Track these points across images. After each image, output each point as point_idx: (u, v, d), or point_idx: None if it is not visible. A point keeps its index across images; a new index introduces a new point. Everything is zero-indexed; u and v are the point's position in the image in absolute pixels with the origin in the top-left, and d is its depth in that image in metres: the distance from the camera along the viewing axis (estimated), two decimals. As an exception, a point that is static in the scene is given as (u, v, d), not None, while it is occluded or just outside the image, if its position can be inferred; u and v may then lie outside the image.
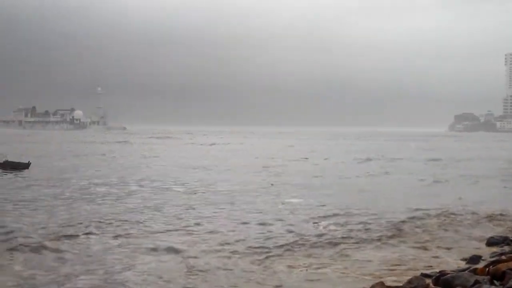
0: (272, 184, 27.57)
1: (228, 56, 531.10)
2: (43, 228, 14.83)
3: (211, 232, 14.81)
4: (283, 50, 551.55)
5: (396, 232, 15.09)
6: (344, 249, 13.07)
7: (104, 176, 30.64)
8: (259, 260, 11.88)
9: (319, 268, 11.37)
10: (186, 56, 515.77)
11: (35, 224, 15.39)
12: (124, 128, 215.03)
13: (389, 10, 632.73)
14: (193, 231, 15.00)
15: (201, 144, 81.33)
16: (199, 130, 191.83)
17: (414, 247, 13.38)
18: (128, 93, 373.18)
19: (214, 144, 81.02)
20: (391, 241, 14.05)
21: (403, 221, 16.46)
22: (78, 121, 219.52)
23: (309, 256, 12.35)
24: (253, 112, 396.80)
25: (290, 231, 14.86)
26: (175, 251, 12.51)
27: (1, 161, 34.49)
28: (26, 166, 34.34)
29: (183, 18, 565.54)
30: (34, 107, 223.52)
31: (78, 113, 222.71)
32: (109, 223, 15.67)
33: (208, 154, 56.22)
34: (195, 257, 11.96)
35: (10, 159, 35.21)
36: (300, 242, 13.61)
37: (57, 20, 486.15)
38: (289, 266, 11.41)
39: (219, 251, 12.60)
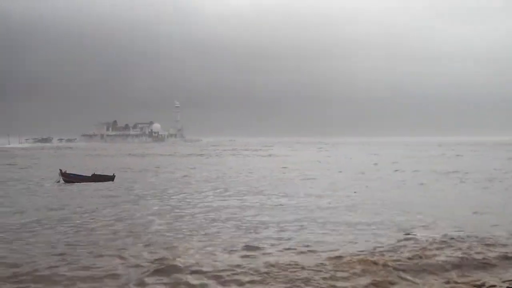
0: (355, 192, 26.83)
1: (314, 67, 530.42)
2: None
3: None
4: (367, 60, 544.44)
5: None
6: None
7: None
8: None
9: None
10: (274, 69, 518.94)
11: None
12: (200, 140, 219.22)
13: (483, 15, 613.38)
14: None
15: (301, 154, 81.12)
16: (285, 141, 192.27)
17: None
18: (205, 106, 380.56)
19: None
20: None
21: None
22: (157, 134, 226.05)
23: None
24: (339, 122, 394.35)
25: None
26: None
27: (90, 175, 35.76)
28: (111, 178, 35.30)
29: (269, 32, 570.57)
30: (115, 121, 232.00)
31: (156, 126, 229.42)
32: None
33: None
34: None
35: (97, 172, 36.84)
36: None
37: (137, 38, 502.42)
38: None
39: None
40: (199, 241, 14.84)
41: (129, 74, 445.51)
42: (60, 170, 35.60)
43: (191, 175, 41.20)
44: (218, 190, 29.09)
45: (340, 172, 44.17)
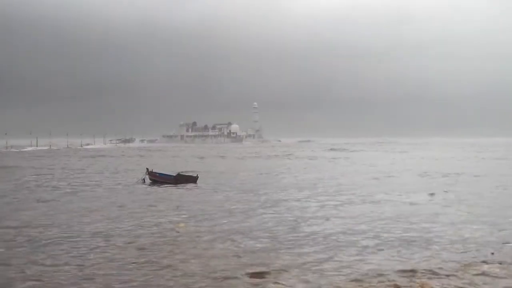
0: None
1: (378, 66, 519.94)
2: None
3: None
4: (433, 59, 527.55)
5: None
6: None
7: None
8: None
9: None
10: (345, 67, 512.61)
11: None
12: (279, 141, 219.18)
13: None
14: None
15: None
16: (368, 141, 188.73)
17: None
18: (283, 107, 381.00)
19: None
20: None
21: None
22: (235, 135, 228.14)
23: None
24: (406, 122, 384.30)
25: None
26: None
27: (175, 174, 35.68)
28: (195, 179, 35.13)
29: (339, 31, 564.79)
30: (194, 122, 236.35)
31: (234, 127, 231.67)
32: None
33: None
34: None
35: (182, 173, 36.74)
36: None
37: (215, 38, 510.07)
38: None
39: None
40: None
41: (209, 76, 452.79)
42: (147, 169, 35.84)
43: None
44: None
45: None
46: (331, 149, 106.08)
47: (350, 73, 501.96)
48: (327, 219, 19.03)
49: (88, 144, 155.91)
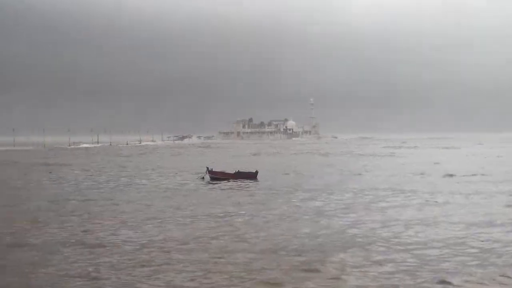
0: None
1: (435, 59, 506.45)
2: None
3: None
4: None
5: None
6: None
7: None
8: None
9: None
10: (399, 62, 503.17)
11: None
12: (335, 137, 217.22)
13: None
14: None
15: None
16: (430, 137, 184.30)
17: None
18: (338, 103, 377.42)
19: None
20: None
21: None
22: (291, 131, 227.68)
23: None
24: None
25: None
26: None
27: (234, 172, 35.71)
28: (254, 175, 34.96)
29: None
30: (251, 119, 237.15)
31: (291, 123, 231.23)
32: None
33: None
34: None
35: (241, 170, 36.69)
36: None
37: (273, 33, 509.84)
38: None
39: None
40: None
41: (265, 72, 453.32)
42: (207, 168, 35.92)
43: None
44: None
45: None
46: (400, 147, 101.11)
47: (408, 66, 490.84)
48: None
49: (140, 141, 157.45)
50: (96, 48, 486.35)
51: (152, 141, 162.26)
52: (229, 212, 20.52)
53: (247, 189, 29.56)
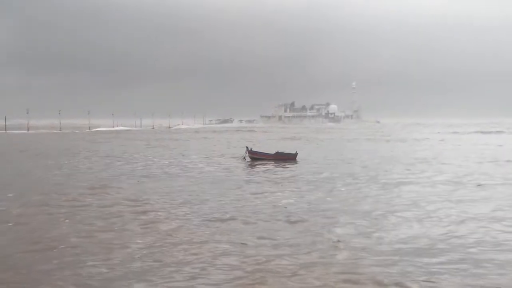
0: None
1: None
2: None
3: None
4: None
5: None
6: None
7: None
8: None
9: None
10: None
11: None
12: (378, 122, 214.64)
13: None
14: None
15: None
16: (461, 123, 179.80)
17: None
18: (378, 87, 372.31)
19: None
20: None
21: None
22: (333, 115, 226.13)
23: None
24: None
25: None
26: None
27: (274, 152, 36.09)
28: (294, 156, 35.26)
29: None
30: (292, 103, 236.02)
31: (332, 108, 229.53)
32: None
33: None
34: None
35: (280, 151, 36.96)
36: None
37: (316, 15, 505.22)
38: None
39: None
40: None
41: (308, 56, 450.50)
42: (247, 148, 36.40)
43: None
44: None
45: None
46: (454, 132, 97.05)
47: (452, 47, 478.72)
48: None
49: (178, 125, 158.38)
50: (131, 32, 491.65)
51: (187, 124, 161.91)
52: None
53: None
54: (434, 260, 10.88)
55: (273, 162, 33.29)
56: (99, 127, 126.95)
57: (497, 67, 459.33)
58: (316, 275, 10.02)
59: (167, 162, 34.24)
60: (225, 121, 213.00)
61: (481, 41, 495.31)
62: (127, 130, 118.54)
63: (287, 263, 10.69)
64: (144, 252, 11.56)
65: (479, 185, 22.05)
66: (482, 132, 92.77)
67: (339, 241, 12.41)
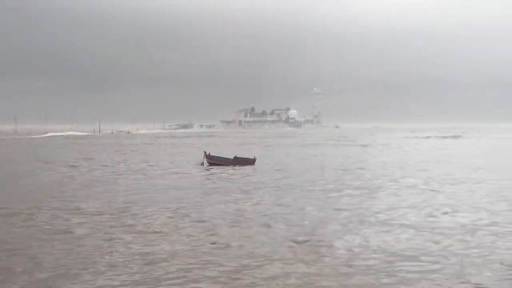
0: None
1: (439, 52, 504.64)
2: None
3: None
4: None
5: None
6: None
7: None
8: None
9: None
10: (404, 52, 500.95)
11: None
12: (338, 127, 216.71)
13: None
14: None
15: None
16: (421, 127, 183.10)
17: None
18: (339, 92, 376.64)
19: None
20: None
21: None
22: (293, 120, 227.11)
23: None
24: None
25: None
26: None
27: (232, 157, 35.54)
28: (253, 161, 34.85)
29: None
30: (253, 108, 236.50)
31: (292, 113, 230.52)
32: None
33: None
34: None
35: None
36: None
37: (271, 24, 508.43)
38: None
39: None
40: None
41: (268, 62, 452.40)
42: (205, 152, 35.78)
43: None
44: None
45: None
46: (405, 137, 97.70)
47: (414, 55, 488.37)
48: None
49: (137, 130, 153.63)
50: (97, 36, 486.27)
51: (137, 129, 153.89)
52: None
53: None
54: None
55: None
56: (54, 132, 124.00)
57: (460, 74, 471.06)
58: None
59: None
60: (185, 126, 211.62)
61: (445, 49, 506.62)
62: (78, 135, 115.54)
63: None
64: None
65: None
66: (437, 137, 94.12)
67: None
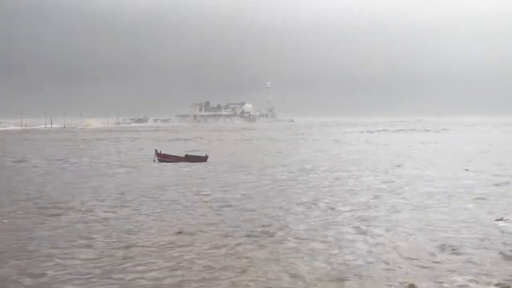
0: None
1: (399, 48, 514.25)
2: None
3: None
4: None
5: None
6: None
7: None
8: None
9: None
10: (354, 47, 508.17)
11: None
12: (292, 121, 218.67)
13: None
14: None
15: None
16: (374, 121, 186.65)
17: None
18: (294, 87, 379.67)
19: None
20: None
21: None
22: (248, 114, 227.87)
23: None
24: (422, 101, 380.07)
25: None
26: None
27: (184, 155, 35.92)
28: (205, 158, 35.27)
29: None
30: (207, 102, 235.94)
31: (247, 107, 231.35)
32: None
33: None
34: None
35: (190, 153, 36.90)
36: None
37: (229, 19, 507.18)
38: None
39: None
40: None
41: (223, 57, 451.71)
42: (156, 150, 36.08)
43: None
44: None
45: None
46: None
47: (370, 51, 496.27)
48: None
49: (88, 124, 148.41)
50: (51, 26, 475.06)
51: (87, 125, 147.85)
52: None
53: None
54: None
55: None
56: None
57: (426, 68, 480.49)
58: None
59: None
60: (140, 120, 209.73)
61: (408, 42, 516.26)
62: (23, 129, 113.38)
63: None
64: None
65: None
66: (388, 131, 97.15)
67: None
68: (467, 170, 28.37)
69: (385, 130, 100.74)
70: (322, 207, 17.32)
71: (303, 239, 12.76)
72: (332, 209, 17.02)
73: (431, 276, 9.85)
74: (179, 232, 13.59)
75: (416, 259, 10.99)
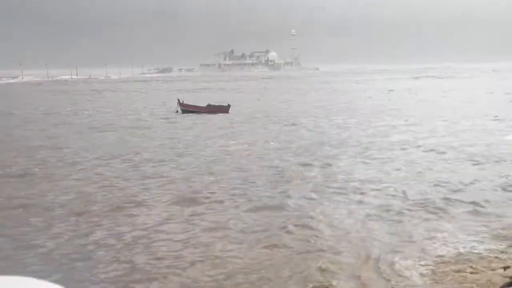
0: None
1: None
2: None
3: None
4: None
5: None
6: None
7: None
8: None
9: None
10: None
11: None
12: (317, 69, 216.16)
13: None
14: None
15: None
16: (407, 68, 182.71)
17: None
18: (320, 34, 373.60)
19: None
20: None
21: None
22: (273, 63, 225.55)
23: None
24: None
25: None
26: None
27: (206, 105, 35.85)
28: (227, 108, 35.16)
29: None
30: (232, 51, 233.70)
31: (272, 55, 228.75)
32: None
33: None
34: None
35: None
36: None
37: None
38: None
39: None
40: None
41: (248, 4, 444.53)
42: (178, 100, 36.10)
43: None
44: None
45: None
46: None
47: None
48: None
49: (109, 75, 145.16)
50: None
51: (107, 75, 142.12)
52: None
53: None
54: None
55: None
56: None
57: (447, 12, 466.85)
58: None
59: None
60: (164, 70, 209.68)
61: None
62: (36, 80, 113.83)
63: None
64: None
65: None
66: (415, 78, 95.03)
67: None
68: None
69: (433, 76, 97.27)
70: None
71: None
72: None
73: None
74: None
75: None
